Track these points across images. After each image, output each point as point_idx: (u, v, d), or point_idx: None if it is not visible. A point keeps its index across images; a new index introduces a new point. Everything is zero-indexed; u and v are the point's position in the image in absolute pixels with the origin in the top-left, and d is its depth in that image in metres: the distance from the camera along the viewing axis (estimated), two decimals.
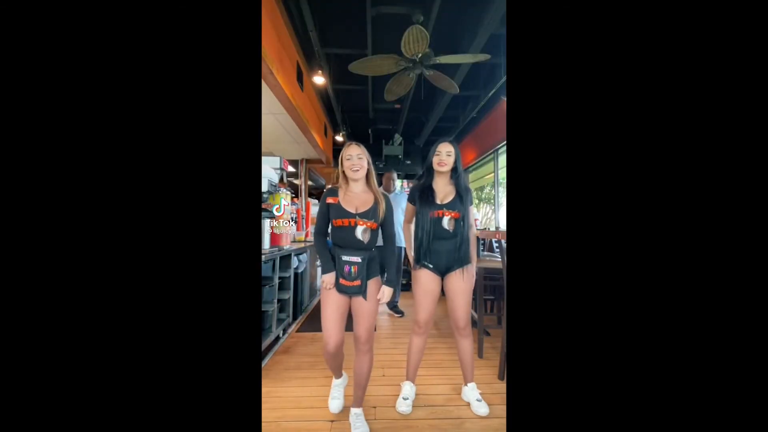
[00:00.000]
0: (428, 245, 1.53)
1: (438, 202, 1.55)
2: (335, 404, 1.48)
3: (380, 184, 2.77)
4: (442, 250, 1.53)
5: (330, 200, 1.40)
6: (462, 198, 1.54)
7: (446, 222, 1.52)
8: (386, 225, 1.42)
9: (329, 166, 5.83)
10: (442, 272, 1.57)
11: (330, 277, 1.39)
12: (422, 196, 1.57)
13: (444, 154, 1.55)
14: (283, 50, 3.01)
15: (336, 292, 1.39)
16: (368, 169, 1.41)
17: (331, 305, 1.38)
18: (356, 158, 1.39)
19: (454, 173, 1.59)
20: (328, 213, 1.41)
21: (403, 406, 1.55)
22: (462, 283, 1.55)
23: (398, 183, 2.94)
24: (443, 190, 1.58)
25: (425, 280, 1.55)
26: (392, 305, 3.19)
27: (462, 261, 1.55)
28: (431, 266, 1.55)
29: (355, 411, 1.46)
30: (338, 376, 1.53)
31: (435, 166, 1.57)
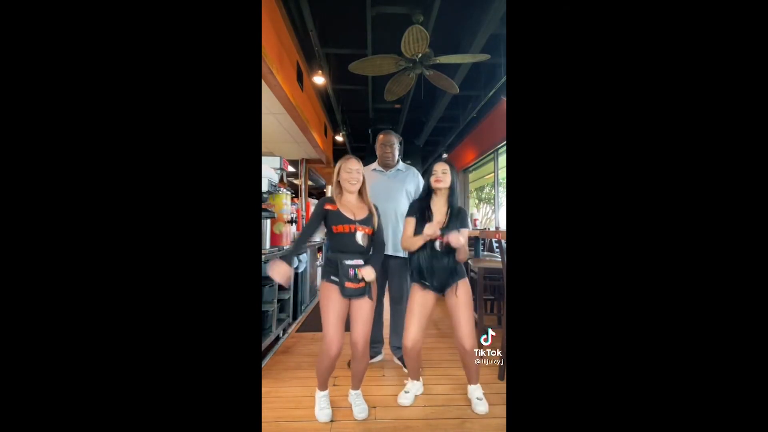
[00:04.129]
0: (428, 265, 1.55)
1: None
2: (324, 414, 1.49)
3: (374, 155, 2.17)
4: (440, 270, 1.55)
5: (329, 206, 1.48)
6: (453, 221, 1.55)
7: (441, 245, 1.54)
8: (378, 233, 1.54)
9: (329, 166, 5.82)
10: (439, 290, 1.58)
11: (284, 268, 1.38)
12: (422, 216, 1.58)
13: (440, 172, 1.57)
14: (283, 50, 3.01)
15: (338, 297, 1.42)
16: (362, 182, 1.53)
17: (334, 310, 1.42)
18: (356, 173, 1.49)
19: (452, 194, 1.60)
20: (323, 217, 1.50)
21: (404, 399, 1.60)
22: (459, 297, 1.55)
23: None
24: (440, 211, 1.59)
25: (420, 294, 1.58)
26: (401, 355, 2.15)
27: (456, 276, 1.56)
28: (428, 284, 1.56)
29: (354, 392, 1.57)
30: (324, 388, 1.53)
31: (432, 184, 1.58)
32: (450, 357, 2.21)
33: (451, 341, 2.46)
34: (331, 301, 1.43)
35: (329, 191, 1.63)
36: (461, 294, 1.55)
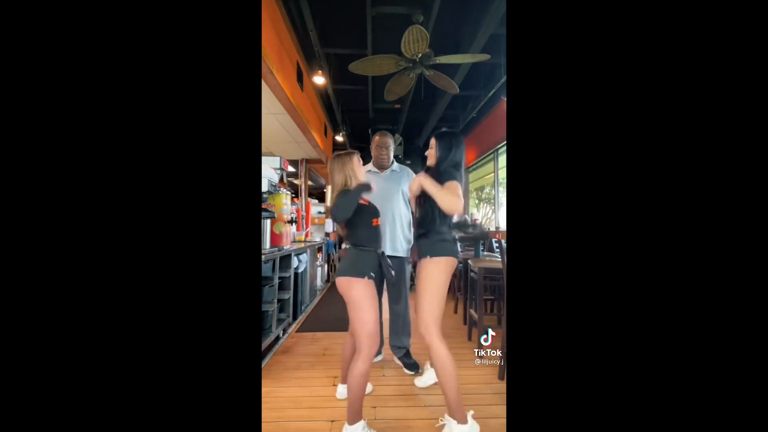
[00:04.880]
0: (419, 236, 1.48)
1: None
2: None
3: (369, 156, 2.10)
4: (422, 240, 1.47)
5: (363, 201, 1.42)
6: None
7: (418, 210, 1.47)
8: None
9: None
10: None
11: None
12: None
13: (429, 148, 1.50)
14: (283, 50, 3.01)
15: (374, 291, 1.37)
16: None
17: (376, 304, 1.36)
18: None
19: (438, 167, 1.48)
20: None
21: (419, 381, 1.71)
22: (424, 270, 1.38)
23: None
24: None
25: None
26: (405, 356, 2.04)
27: (425, 251, 1.42)
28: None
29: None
30: (360, 416, 1.38)
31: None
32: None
33: (450, 342, 2.46)
34: (371, 296, 1.33)
35: (328, 192, 1.54)
36: (422, 275, 1.37)
